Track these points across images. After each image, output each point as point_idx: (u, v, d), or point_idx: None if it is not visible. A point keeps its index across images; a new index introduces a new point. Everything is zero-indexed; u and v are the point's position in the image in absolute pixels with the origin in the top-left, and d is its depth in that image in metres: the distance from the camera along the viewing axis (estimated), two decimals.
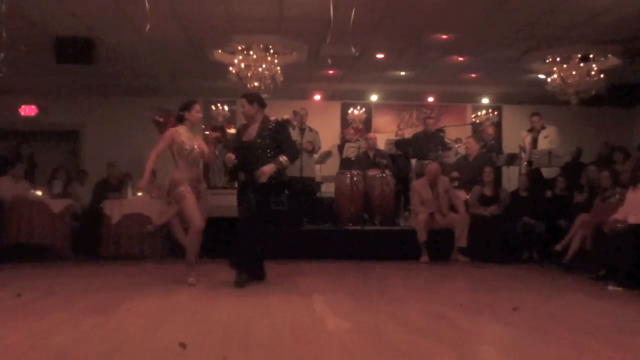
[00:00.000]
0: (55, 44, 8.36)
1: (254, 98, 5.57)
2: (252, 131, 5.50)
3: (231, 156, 5.47)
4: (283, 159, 5.32)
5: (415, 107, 12.83)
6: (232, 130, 12.24)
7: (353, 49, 8.64)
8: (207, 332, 3.47)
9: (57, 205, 8.16)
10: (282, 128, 5.57)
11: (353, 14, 7.08)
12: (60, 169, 9.17)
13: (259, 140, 5.40)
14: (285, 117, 9.92)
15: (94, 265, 7.45)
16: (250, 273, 5.45)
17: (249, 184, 5.41)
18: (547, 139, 8.98)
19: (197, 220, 5.42)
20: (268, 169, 5.26)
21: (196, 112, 5.57)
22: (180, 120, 5.59)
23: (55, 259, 7.86)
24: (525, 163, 9.20)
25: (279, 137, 5.43)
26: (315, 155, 9.70)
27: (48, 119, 12.05)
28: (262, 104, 5.58)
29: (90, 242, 8.35)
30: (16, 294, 4.79)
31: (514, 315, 4.13)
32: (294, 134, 9.00)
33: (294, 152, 5.55)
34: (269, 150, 5.37)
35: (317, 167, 9.96)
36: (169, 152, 5.53)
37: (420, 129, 11.12)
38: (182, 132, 5.50)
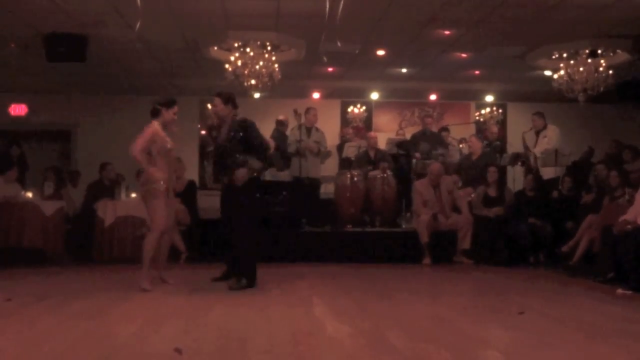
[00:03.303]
0: (45, 41, 8.36)
1: (230, 99, 5.64)
2: (224, 132, 5.61)
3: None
4: (255, 162, 5.43)
5: (417, 105, 12.83)
6: None
7: (353, 46, 8.67)
8: (203, 338, 3.47)
9: (49, 208, 8.16)
10: (247, 127, 5.59)
11: (353, 9, 7.10)
12: (51, 170, 9.16)
13: (229, 143, 5.50)
14: (281, 117, 9.92)
15: (86, 268, 7.45)
16: (241, 276, 5.44)
17: (228, 187, 5.54)
18: (545, 140, 8.99)
19: (162, 224, 5.43)
20: (241, 174, 5.39)
21: (174, 113, 5.52)
22: (155, 114, 5.48)
23: (47, 262, 7.86)
24: (520, 164, 9.21)
25: (245, 137, 5.50)
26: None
27: (39, 119, 12.05)
28: (235, 106, 5.68)
29: (83, 245, 8.34)
30: (6, 298, 4.79)
31: (519, 319, 4.13)
32: (298, 134, 9.00)
33: (262, 152, 5.57)
34: (238, 153, 5.46)
35: (320, 167, 9.92)
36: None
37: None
38: (160, 130, 5.43)
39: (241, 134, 5.50)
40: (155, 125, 5.45)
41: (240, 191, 5.43)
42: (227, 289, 5.33)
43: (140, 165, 5.45)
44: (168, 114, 5.49)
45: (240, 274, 5.43)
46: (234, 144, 5.49)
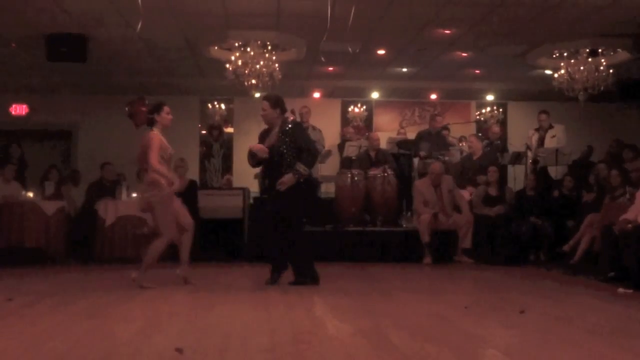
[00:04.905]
0: (46, 41, 8.36)
1: (278, 103, 5.55)
2: (273, 136, 5.52)
3: (262, 148, 5.49)
4: (302, 167, 5.35)
5: (417, 104, 12.83)
6: (230, 129, 12.30)
7: (350, 48, 8.67)
8: (204, 337, 3.47)
9: (50, 207, 8.17)
10: (299, 129, 5.60)
11: (353, 11, 7.11)
12: (52, 170, 9.17)
13: (280, 146, 5.43)
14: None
15: (87, 268, 7.45)
16: (302, 274, 5.53)
17: (271, 191, 5.49)
18: (554, 139, 9.00)
19: (173, 231, 5.48)
20: (287, 179, 5.33)
21: (166, 114, 5.49)
22: (150, 123, 5.48)
23: (48, 262, 7.87)
24: (531, 161, 9.20)
25: (296, 140, 5.44)
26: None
27: (40, 118, 12.04)
28: (284, 109, 5.59)
29: (84, 244, 8.35)
30: (7, 298, 4.79)
31: (520, 318, 4.12)
32: None
33: (312, 156, 5.54)
34: (287, 156, 5.40)
35: (318, 166, 9.93)
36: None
37: (423, 127, 11.11)
38: (162, 137, 5.46)
39: (287, 139, 5.41)
40: (157, 133, 5.45)
41: (288, 196, 5.38)
42: (228, 288, 5.33)
43: (162, 176, 5.38)
44: (162, 118, 5.47)
45: (303, 276, 5.50)
46: (285, 148, 5.40)
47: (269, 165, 5.51)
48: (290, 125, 5.52)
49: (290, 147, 5.41)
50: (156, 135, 5.42)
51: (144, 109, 5.55)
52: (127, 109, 5.63)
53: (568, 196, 8.39)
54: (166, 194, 5.39)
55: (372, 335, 3.58)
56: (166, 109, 5.53)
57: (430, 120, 10.66)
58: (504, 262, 7.69)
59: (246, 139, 11.74)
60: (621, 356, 3.15)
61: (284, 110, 5.58)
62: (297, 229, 5.54)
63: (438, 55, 9.81)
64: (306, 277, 5.50)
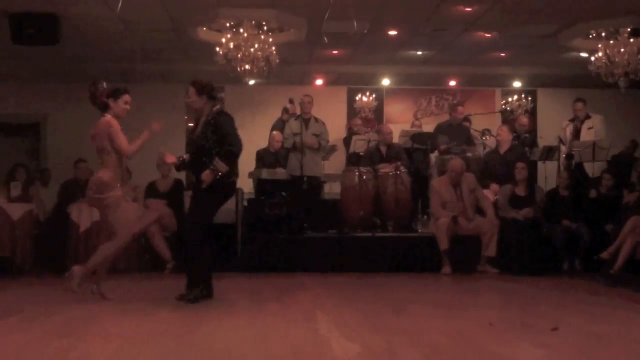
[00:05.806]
0: (11, 21, 8.37)
1: (205, 90, 5.55)
2: (199, 128, 5.56)
3: (167, 156, 5.66)
4: (219, 163, 5.34)
5: (434, 92, 12.85)
6: None
7: (357, 27, 8.67)
8: (190, 359, 3.48)
9: (16, 211, 8.19)
10: (222, 120, 5.54)
11: None
12: (18, 168, 9.16)
13: (203, 137, 5.46)
14: (288, 105, 9.91)
15: (59, 280, 7.46)
16: (193, 286, 5.45)
17: (197, 188, 5.52)
18: (591, 131, 9.01)
19: (129, 232, 5.55)
20: (205, 176, 5.35)
21: (124, 103, 5.51)
22: (103, 108, 5.51)
23: (15, 273, 7.89)
24: (564, 157, 9.20)
25: (219, 132, 5.45)
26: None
27: (4, 110, 12.07)
28: (212, 97, 5.61)
29: (56, 253, 8.36)
30: None
31: (552, 336, 4.13)
32: (295, 125, 9.01)
33: (230, 151, 5.46)
34: (212, 148, 5.41)
35: (322, 163, 9.93)
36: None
37: (441, 117, 11.10)
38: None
39: (210, 131, 5.43)
40: (110, 119, 5.47)
41: (201, 194, 5.42)
42: (219, 304, 5.34)
43: (139, 148, 5.45)
44: (117, 105, 5.49)
45: (195, 283, 5.41)
46: (208, 140, 5.42)
47: (194, 162, 5.53)
48: (213, 116, 5.51)
49: (214, 140, 5.41)
50: (114, 120, 5.44)
51: (100, 90, 5.58)
52: (90, 90, 5.66)
53: (607, 196, 8.39)
54: (120, 195, 5.43)
55: (383, 355, 3.58)
56: (125, 97, 5.52)
57: (450, 110, 10.64)
58: (534, 272, 7.69)
59: (239, 132, 11.77)
60: None
61: (212, 98, 5.58)
62: (195, 233, 5.46)
63: (458, 36, 9.80)
64: (194, 290, 5.36)
